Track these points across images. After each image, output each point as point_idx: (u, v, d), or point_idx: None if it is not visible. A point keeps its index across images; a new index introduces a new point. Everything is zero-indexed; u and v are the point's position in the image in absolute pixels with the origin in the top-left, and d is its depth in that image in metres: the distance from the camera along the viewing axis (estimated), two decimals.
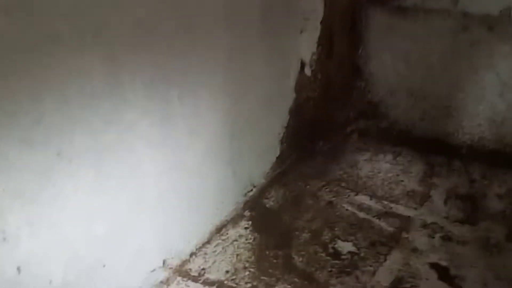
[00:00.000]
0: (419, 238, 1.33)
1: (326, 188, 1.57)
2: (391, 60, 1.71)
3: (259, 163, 1.56)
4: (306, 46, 1.57)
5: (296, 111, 1.65)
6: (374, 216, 1.43)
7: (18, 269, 0.89)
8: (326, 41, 1.57)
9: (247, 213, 1.46)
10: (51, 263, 0.95)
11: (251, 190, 1.53)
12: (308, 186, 1.58)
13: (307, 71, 1.60)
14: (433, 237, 1.33)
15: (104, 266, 1.07)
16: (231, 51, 1.29)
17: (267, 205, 1.50)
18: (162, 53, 1.07)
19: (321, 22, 1.53)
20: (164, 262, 1.23)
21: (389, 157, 1.72)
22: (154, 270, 1.20)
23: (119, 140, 1.03)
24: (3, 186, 0.83)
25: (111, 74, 0.97)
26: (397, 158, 1.71)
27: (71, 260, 0.99)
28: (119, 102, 1.00)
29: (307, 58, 1.59)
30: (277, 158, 1.63)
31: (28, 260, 0.90)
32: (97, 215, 1.03)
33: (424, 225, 1.38)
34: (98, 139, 0.98)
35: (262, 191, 1.55)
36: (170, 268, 1.24)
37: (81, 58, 0.90)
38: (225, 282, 1.21)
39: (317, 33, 1.55)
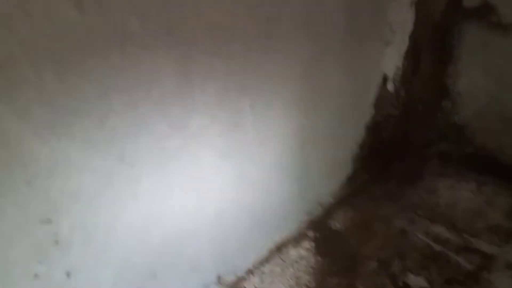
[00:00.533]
0: (502, 280, 1.19)
1: (400, 214, 1.45)
2: (483, 80, 1.56)
3: (328, 181, 1.47)
4: (391, 60, 1.46)
5: (374, 129, 1.54)
6: (451, 250, 1.29)
7: (67, 274, 0.86)
8: (413, 56, 1.45)
9: (310, 233, 1.37)
10: (101, 270, 0.92)
11: (317, 209, 1.44)
12: (379, 211, 1.47)
13: (390, 86, 1.49)
14: None
15: (155, 276, 1.02)
16: (309, 61, 1.20)
17: (333, 227, 1.40)
18: (236, 59, 1.00)
19: (409, 36, 1.41)
20: (219, 278, 1.17)
21: (473, 185, 1.57)
22: (208, 285, 1.15)
23: (185, 147, 0.97)
24: (61, 186, 0.80)
25: (182, 77, 0.91)
26: (482, 188, 1.56)
27: (122, 268, 0.95)
28: (188, 107, 0.95)
29: (390, 73, 1.47)
30: (348, 177, 1.52)
31: (78, 266, 0.87)
32: (154, 224, 0.98)
33: (509, 265, 1.23)
34: (163, 145, 0.93)
35: (329, 212, 1.45)
36: (225, 284, 1.18)
37: (153, 58, 0.85)
38: None
39: (404, 47, 1.43)
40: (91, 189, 0.85)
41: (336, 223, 1.41)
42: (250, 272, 1.22)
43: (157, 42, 0.85)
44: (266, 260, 1.26)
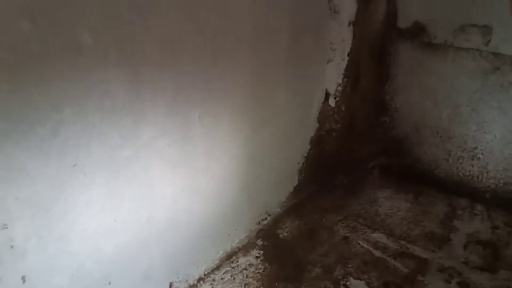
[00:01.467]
0: (435, 282, 1.28)
1: (343, 223, 1.53)
2: (418, 97, 1.69)
3: (276, 192, 1.54)
4: (332, 77, 1.56)
5: (318, 142, 1.63)
6: (389, 256, 1.38)
7: (23, 278, 0.88)
8: (352, 73, 1.56)
9: (259, 242, 1.43)
10: (57, 276, 0.94)
11: (266, 218, 1.50)
12: (324, 220, 1.55)
13: (331, 102, 1.59)
14: (450, 283, 1.28)
15: (109, 283, 1.05)
16: (256, 77, 1.28)
17: (281, 236, 1.47)
18: (185, 74, 1.06)
19: (348, 54, 1.52)
20: (170, 285, 1.21)
21: (410, 196, 1.67)
22: None
23: (136, 157, 1.02)
24: (16, 193, 0.83)
25: (133, 91, 0.97)
26: (418, 198, 1.67)
27: (77, 275, 0.98)
28: (138, 119, 1.00)
29: (332, 89, 1.57)
30: (294, 188, 1.60)
31: (34, 271, 0.89)
32: (107, 232, 1.02)
33: (441, 269, 1.33)
34: (115, 154, 0.97)
35: (277, 221, 1.52)
36: None
37: (104, 72, 0.90)
38: None
39: (343, 64, 1.54)
40: (45, 197, 0.88)
41: (284, 232, 1.48)
42: (201, 279, 1.27)
43: (108, 56, 0.91)
44: (217, 268, 1.31)
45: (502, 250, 1.41)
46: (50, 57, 0.81)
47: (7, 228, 0.84)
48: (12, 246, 0.85)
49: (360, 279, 1.30)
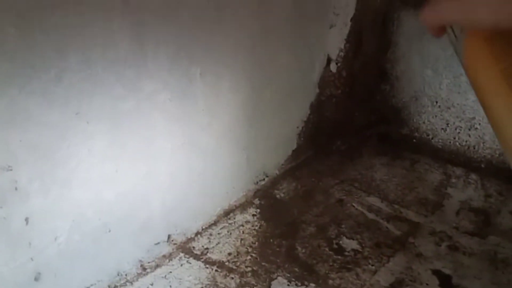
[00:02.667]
0: (425, 245, 1.32)
1: (338, 187, 1.57)
2: (419, 66, 1.70)
3: (274, 154, 1.57)
4: (334, 42, 1.57)
5: (317, 107, 1.65)
6: (383, 219, 1.42)
7: (26, 220, 0.92)
8: (354, 39, 1.57)
9: (256, 201, 1.46)
10: (58, 220, 0.98)
11: (263, 179, 1.53)
12: (320, 183, 1.58)
13: (333, 67, 1.60)
14: (440, 245, 1.32)
15: (109, 231, 1.09)
16: (258, 37, 1.29)
17: (277, 196, 1.50)
18: (188, 28, 1.08)
19: (351, 19, 1.53)
20: (169, 237, 1.25)
21: (407, 163, 1.70)
22: (158, 243, 1.22)
23: (138, 109, 1.04)
24: (20, 137, 0.86)
25: (136, 42, 0.99)
26: (414, 165, 1.70)
27: (77, 221, 1.01)
28: (141, 72, 1.02)
29: (333, 54, 1.59)
30: (293, 151, 1.63)
31: (37, 213, 0.93)
32: (108, 181, 1.05)
33: (433, 233, 1.37)
34: (118, 105, 1.00)
35: (274, 182, 1.55)
36: (174, 244, 1.25)
37: (109, 22, 0.92)
38: (226, 263, 1.22)
39: (346, 30, 1.55)
40: (49, 142, 0.91)
41: (280, 193, 1.51)
42: (199, 233, 1.31)
43: (113, 5, 0.92)
44: (214, 224, 1.35)
45: (493, 217, 1.44)
46: (57, 3, 0.83)
47: (11, 170, 0.87)
48: (16, 188, 0.88)
49: (353, 239, 1.33)
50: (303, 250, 1.28)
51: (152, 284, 1.15)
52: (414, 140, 1.79)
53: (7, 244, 0.91)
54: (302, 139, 1.64)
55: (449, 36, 0.65)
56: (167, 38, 1.05)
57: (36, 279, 0.97)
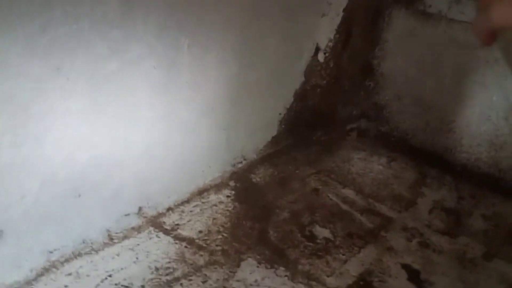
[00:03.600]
0: (396, 239, 1.32)
1: (315, 177, 1.56)
2: (405, 65, 1.70)
3: (254, 138, 1.55)
4: (324, 31, 1.56)
5: (301, 96, 1.64)
6: (356, 211, 1.41)
7: None
8: (345, 30, 1.56)
9: (232, 183, 1.44)
10: (27, 178, 0.94)
11: (241, 162, 1.52)
12: (297, 171, 1.57)
13: (321, 57, 1.59)
14: (411, 241, 1.32)
15: (79, 196, 1.06)
16: (249, 16, 1.27)
17: (253, 180, 1.48)
18: None
19: (343, 10, 1.52)
20: (139, 209, 1.22)
21: (384, 160, 1.70)
22: (128, 214, 1.19)
23: (121, 73, 1.01)
24: None
25: (126, 4, 0.95)
26: (391, 163, 1.70)
27: (47, 181, 0.98)
28: (128, 34, 0.99)
29: (322, 44, 1.57)
30: (272, 137, 1.61)
31: (6, 168, 0.89)
32: (83, 144, 1.02)
33: (404, 229, 1.37)
34: (101, 65, 0.97)
35: (251, 166, 1.54)
36: (145, 217, 1.23)
37: None
38: (196, 240, 1.20)
39: (337, 20, 1.54)
40: (26, 95, 0.88)
41: (257, 177, 1.49)
42: (170, 209, 1.28)
43: None
44: (187, 201, 1.32)
45: (465, 218, 1.45)
46: None
47: None
48: None
49: (326, 228, 1.33)
50: (275, 234, 1.27)
51: (118, 255, 1.12)
52: (393, 139, 1.79)
53: None
54: (283, 126, 1.62)
55: (500, 42, 0.65)
56: (158, 3, 1.02)
57: None
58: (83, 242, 1.10)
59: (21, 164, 0.92)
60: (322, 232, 1.31)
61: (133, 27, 1.00)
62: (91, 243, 1.11)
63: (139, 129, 1.13)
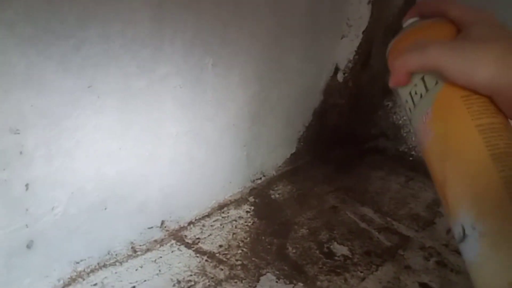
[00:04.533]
0: (414, 258, 1.33)
1: (333, 194, 1.58)
2: None
3: (273, 155, 1.58)
4: (344, 52, 1.59)
5: (321, 114, 1.67)
6: (374, 229, 1.43)
7: (26, 186, 0.92)
8: (364, 52, 1.59)
9: (251, 198, 1.47)
10: (57, 190, 0.98)
11: (260, 178, 1.54)
12: (315, 188, 1.59)
13: (340, 77, 1.62)
14: (429, 260, 1.33)
15: (105, 209, 1.09)
16: (271, 37, 1.31)
17: (272, 196, 1.51)
18: (205, 17, 1.09)
19: (363, 32, 1.55)
20: (162, 223, 1.25)
21: (402, 179, 1.72)
22: (151, 227, 1.22)
23: (149, 90, 1.05)
24: (32, 102, 0.87)
25: (155, 25, 1.00)
26: (409, 182, 1.71)
27: (76, 194, 1.01)
28: (156, 54, 1.03)
29: (342, 64, 1.61)
30: (291, 154, 1.64)
31: (37, 181, 0.93)
32: (111, 158, 1.06)
33: (422, 248, 1.38)
34: (130, 83, 1.01)
35: (270, 183, 1.56)
36: (167, 230, 1.26)
37: (130, 1, 0.93)
38: (217, 254, 1.22)
39: (357, 42, 1.57)
40: (59, 111, 0.92)
41: (276, 194, 1.52)
42: (192, 223, 1.31)
43: None
44: (208, 215, 1.35)
45: None
46: None
47: (19, 133, 0.87)
48: (21, 152, 0.89)
49: (344, 245, 1.34)
50: (294, 250, 1.29)
51: (141, 267, 1.15)
52: (411, 158, 1.81)
53: (5, 207, 0.91)
54: (302, 143, 1.65)
55: (414, 85, 0.63)
56: (185, 24, 1.07)
57: (28, 246, 0.97)
58: (108, 254, 1.13)
59: (52, 177, 0.96)
60: (340, 250, 1.32)
61: (161, 47, 1.04)
62: (116, 255, 1.15)
63: (164, 145, 1.16)
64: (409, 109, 0.66)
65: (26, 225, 0.95)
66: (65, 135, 0.95)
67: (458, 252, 1.37)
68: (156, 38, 1.02)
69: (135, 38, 0.98)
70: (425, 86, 0.61)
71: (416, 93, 0.62)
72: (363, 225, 1.44)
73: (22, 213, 0.94)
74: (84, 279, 1.07)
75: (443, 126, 0.58)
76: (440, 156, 0.58)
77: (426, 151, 0.61)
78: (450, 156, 0.57)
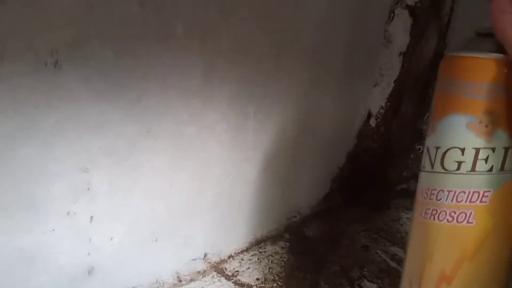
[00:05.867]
0: None
1: (365, 234, 1.65)
2: None
3: (308, 195, 1.67)
4: (376, 99, 1.70)
5: (354, 157, 1.76)
6: None
7: (91, 218, 1.05)
8: (395, 99, 1.69)
9: (286, 235, 1.56)
10: (116, 223, 1.10)
11: (295, 216, 1.64)
12: (348, 228, 1.67)
13: (372, 122, 1.72)
14: None
15: (156, 240, 1.21)
16: (308, 85, 1.43)
17: (306, 234, 1.60)
18: (249, 71, 1.22)
19: (394, 81, 1.66)
20: (205, 255, 1.36)
21: None
22: (195, 259, 1.33)
23: (198, 135, 1.18)
24: (101, 144, 1.00)
25: (206, 77, 1.13)
26: None
27: (131, 227, 1.13)
28: (206, 103, 1.16)
29: (374, 110, 1.71)
30: (325, 194, 1.73)
31: (100, 214, 1.06)
32: (163, 195, 1.18)
33: None
34: (182, 129, 1.14)
35: (305, 221, 1.65)
36: (209, 262, 1.36)
37: (186, 57, 1.07)
38: (254, 287, 1.31)
39: (389, 90, 1.68)
40: (121, 153, 1.05)
41: (310, 231, 1.61)
42: (231, 257, 1.41)
43: (192, 44, 1.08)
44: (246, 250, 1.45)
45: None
46: (148, 35, 0.99)
47: (88, 172, 1.00)
48: (88, 189, 1.02)
49: (374, 283, 1.41)
50: (326, 286, 1.37)
51: None
52: None
53: (72, 236, 1.03)
54: (335, 184, 1.74)
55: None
56: (231, 77, 1.20)
57: (89, 272, 1.09)
58: (156, 282, 1.24)
59: (112, 211, 1.08)
60: (370, 287, 1.39)
61: (210, 97, 1.17)
62: (163, 284, 1.25)
63: (209, 183, 1.28)
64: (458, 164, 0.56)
65: (88, 253, 1.07)
66: (125, 174, 1.07)
67: None
68: (206, 88, 1.15)
69: (188, 88, 1.11)
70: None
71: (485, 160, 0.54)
72: (393, 264, 1.51)
73: (86, 242, 1.06)
74: None
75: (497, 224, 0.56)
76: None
77: (437, 226, 0.59)
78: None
